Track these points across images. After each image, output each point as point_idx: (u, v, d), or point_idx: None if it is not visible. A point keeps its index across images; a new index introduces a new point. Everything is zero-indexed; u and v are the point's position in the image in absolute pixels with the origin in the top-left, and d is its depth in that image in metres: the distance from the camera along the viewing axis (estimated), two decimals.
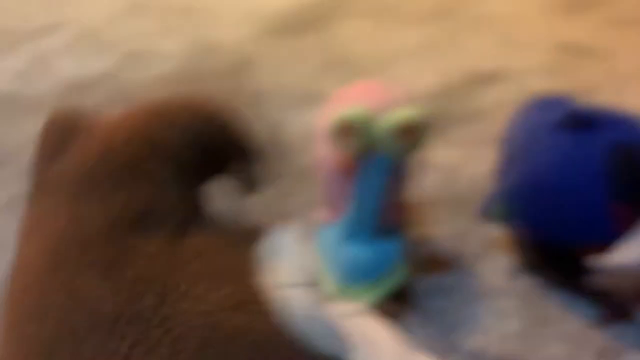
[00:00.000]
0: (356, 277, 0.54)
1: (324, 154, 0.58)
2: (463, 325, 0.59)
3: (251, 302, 0.27)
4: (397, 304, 0.61)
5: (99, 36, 1.17)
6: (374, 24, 1.22)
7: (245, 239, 0.30)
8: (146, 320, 0.25)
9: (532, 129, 0.61)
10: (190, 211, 0.30)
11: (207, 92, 0.98)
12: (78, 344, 0.24)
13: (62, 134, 0.30)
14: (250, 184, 0.33)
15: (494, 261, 0.66)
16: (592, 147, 0.56)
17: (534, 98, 0.67)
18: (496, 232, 0.69)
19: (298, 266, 0.30)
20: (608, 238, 0.55)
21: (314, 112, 0.79)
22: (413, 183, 0.77)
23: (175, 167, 0.30)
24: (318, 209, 0.62)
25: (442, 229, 0.70)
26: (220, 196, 0.42)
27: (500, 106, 0.93)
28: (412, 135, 0.51)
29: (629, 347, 0.57)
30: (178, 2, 1.31)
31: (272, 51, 1.12)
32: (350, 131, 0.52)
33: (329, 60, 1.08)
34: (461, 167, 0.80)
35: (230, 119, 0.31)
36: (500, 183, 0.63)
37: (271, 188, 0.76)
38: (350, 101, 0.57)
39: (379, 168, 0.53)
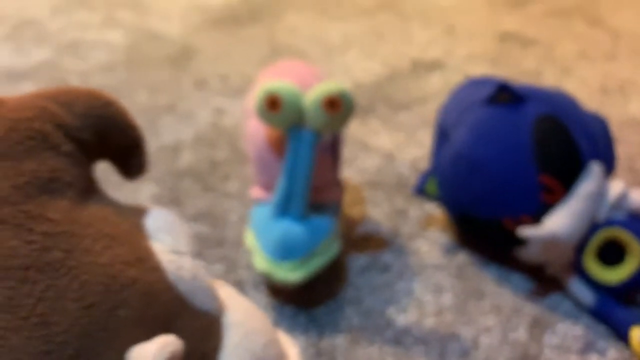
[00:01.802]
0: (287, 253, 0.53)
1: (253, 130, 0.57)
2: (398, 300, 0.58)
3: (141, 260, 0.31)
4: (331, 281, 0.60)
5: (39, 27, 1.14)
6: (320, 15, 1.22)
7: (135, 212, 0.33)
8: (55, 270, 0.28)
9: (462, 105, 0.60)
10: (88, 184, 0.33)
11: (149, 79, 0.95)
12: None
13: None
14: (135, 168, 0.37)
15: (430, 239, 0.65)
16: (519, 120, 0.56)
17: (467, 79, 0.67)
18: (433, 211, 0.69)
19: (182, 237, 0.33)
20: (537, 210, 0.55)
21: None
22: (354, 166, 0.77)
23: (75, 145, 0.33)
24: (252, 188, 0.60)
25: (380, 209, 0.69)
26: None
27: (443, 92, 0.94)
28: (338, 108, 0.50)
29: (561, 317, 0.57)
30: None
31: (216, 41, 1.10)
32: (276, 104, 0.51)
33: (274, 49, 1.07)
34: (402, 150, 0.80)
35: (122, 108, 0.35)
36: (432, 161, 0.62)
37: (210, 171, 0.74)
38: (275, 77, 0.56)
39: (306, 142, 0.52)
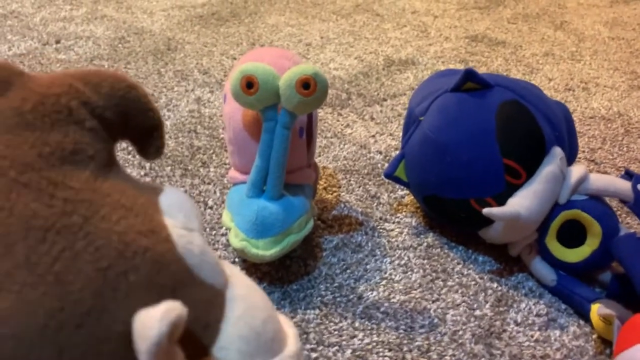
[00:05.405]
0: (262, 231, 0.52)
1: (229, 113, 0.56)
2: (369, 278, 0.58)
3: (154, 232, 0.31)
4: (305, 258, 0.59)
5: (24, 19, 1.12)
6: (299, 16, 1.22)
7: (151, 189, 0.34)
8: (73, 233, 0.29)
9: (431, 92, 0.61)
10: (109, 160, 0.34)
11: (131, 71, 0.94)
12: (11, 246, 0.28)
13: None
14: (154, 149, 0.38)
15: (400, 222, 0.65)
16: (484, 105, 0.56)
17: (438, 71, 0.67)
18: (404, 196, 0.69)
19: (192, 216, 0.34)
20: (502, 191, 0.55)
21: None
22: (330, 154, 0.77)
23: (98, 122, 0.34)
24: (229, 171, 0.60)
25: (354, 194, 0.69)
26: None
27: (414, 88, 0.94)
28: (312, 89, 0.50)
29: (525, 295, 0.57)
30: None
31: (198, 37, 1.09)
32: (251, 85, 0.50)
33: (254, 45, 1.07)
34: (375, 141, 0.80)
35: (144, 93, 0.36)
36: (402, 145, 0.62)
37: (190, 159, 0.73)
38: (252, 60, 0.56)
39: (281, 123, 0.52)
